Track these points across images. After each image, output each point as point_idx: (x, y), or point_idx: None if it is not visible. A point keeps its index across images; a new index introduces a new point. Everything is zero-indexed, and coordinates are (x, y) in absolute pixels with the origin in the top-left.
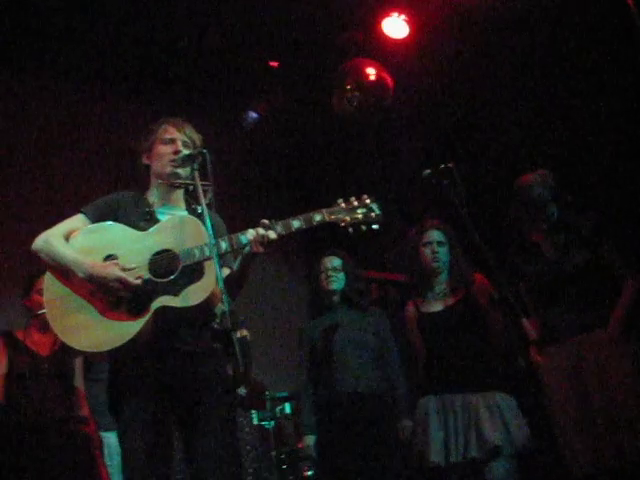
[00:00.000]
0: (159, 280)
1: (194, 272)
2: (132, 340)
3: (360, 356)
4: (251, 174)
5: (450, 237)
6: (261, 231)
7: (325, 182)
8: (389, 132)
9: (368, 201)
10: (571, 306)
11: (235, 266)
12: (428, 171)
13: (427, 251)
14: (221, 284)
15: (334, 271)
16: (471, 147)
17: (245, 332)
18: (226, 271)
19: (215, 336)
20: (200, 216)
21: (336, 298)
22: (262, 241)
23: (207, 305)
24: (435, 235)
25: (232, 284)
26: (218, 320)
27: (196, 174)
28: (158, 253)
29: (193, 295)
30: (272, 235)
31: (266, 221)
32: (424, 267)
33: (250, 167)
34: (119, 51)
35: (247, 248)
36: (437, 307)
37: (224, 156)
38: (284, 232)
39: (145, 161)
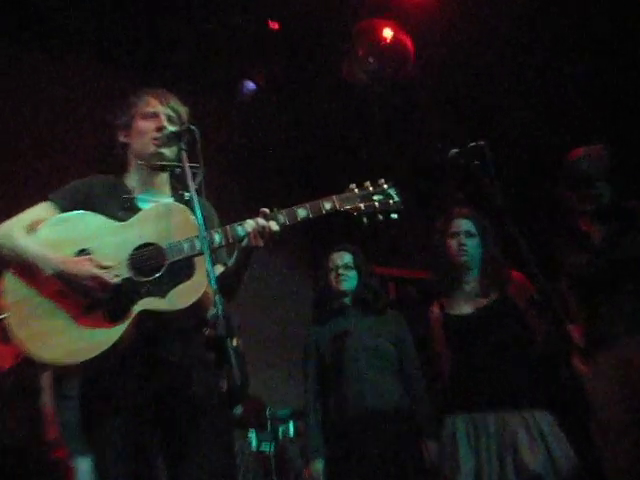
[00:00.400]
0: (141, 279)
1: (182, 270)
2: (110, 350)
3: (376, 367)
4: (248, 155)
5: (481, 227)
6: (261, 221)
7: (335, 164)
8: (408, 106)
9: (385, 186)
10: (622, 305)
11: (230, 263)
12: (455, 150)
13: (454, 243)
14: (214, 284)
15: (345, 269)
16: (503, 127)
17: (238, 341)
18: (220, 269)
19: (207, 344)
20: (188, 203)
21: (347, 300)
22: (262, 233)
23: (198, 308)
24: (463, 224)
25: (227, 284)
26: (210, 326)
27: (183, 154)
28: (140, 247)
29: (181, 297)
30: (274, 226)
31: (267, 210)
32: (451, 262)
33: (247, 146)
34: (101, 17)
35: (245, 242)
36: (467, 309)
37: (216, 133)
38: (288, 222)
39: (123, 139)
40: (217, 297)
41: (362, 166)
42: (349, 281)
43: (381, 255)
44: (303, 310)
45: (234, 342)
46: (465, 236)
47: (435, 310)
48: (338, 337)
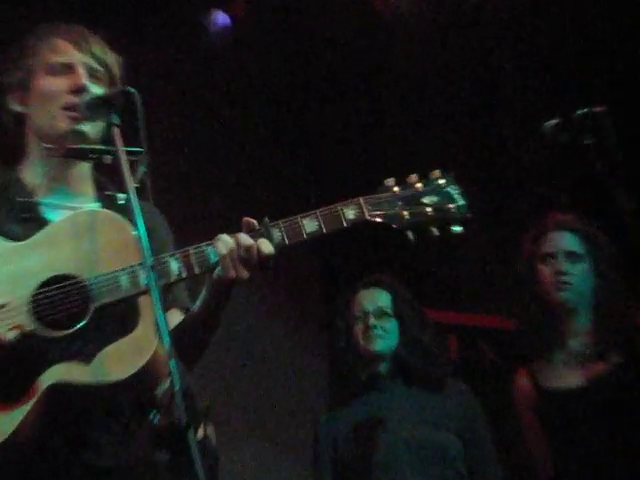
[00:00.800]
0: (52, 334)
1: (118, 319)
2: (6, 445)
3: (429, 473)
4: (223, 131)
5: (593, 245)
6: (244, 239)
7: (360, 145)
8: (469, 56)
9: (442, 181)
10: None
11: (195, 307)
12: (554, 121)
13: (548, 270)
14: (167, 342)
15: (379, 317)
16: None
17: (210, 430)
18: (178, 316)
19: (157, 439)
20: (124, 211)
21: (382, 368)
22: (246, 258)
23: (142, 382)
24: (563, 241)
25: (189, 341)
26: (162, 409)
27: (116, 133)
28: (48, 283)
29: (116, 363)
30: (265, 247)
31: (253, 221)
32: (544, 301)
33: (221, 116)
34: None
35: (218, 271)
36: (573, 380)
37: (171, 97)
38: (287, 241)
39: (16, 108)
40: (172, 363)
41: (404, 148)
42: (386, 337)
43: (437, 294)
44: (312, 382)
45: (200, 433)
46: (566, 259)
47: (523, 381)
48: (365, 427)
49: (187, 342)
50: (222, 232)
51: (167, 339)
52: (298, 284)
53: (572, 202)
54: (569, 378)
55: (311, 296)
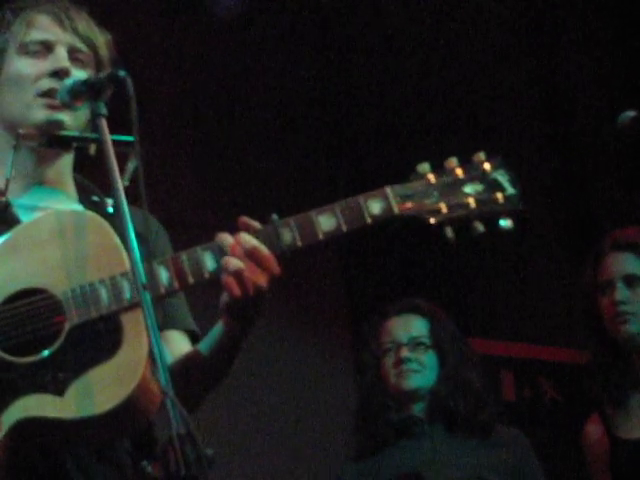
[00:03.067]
0: (18, 360)
1: (97, 340)
2: None
3: None
4: (228, 122)
5: None
6: (248, 240)
7: (391, 126)
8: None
9: (488, 166)
10: None
11: (205, 348)
12: (631, 114)
13: (606, 301)
14: (163, 373)
15: (413, 348)
16: None
17: None
18: (177, 341)
19: None
20: (111, 217)
21: (418, 409)
22: (249, 268)
23: (128, 419)
24: (621, 263)
25: (192, 371)
26: (157, 457)
27: (102, 123)
28: (15, 297)
29: (95, 394)
30: (263, 251)
31: (253, 222)
32: (609, 338)
33: (226, 106)
34: None
35: (224, 297)
36: None
37: (169, 82)
38: (299, 243)
39: None
40: (169, 401)
41: (442, 126)
42: (421, 373)
43: (487, 319)
44: (336, 418)
45: None
46: (625, 285)
47: (595, 429)
48: None
49: (190, 374)
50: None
51: (163, 370)
52: (320, 308)
53: None
54: None
55: (335, 322)
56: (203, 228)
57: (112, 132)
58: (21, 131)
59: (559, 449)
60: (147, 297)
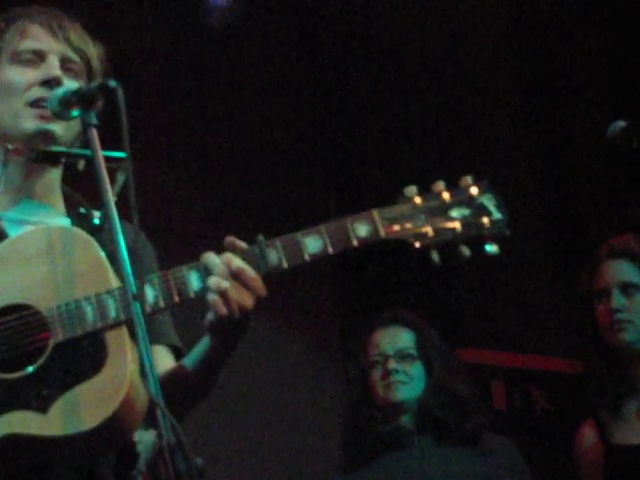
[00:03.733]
0: (3, 376)
1: (82, 358)
2: None
3: None
4: (218, 125)
5: None
6: (234, 261)
7: (381, 147)
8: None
9: (475, 190)
10: None
11: (190, 362)
12: (621, 124)
13: (602, 309)
14: (154, 387)
15: (400, 360)
16: None
17: None
18: (163, 356)
19: None
20: (98, 230)
21: (406, 420)
22: (234, 288)
23: (113, 435)
24: (616, 270)
25: (176, 386)
26: (145, 468)
27: (93, 135)
28: (2, 313)
29: (78, 411)
30: (249, 272)
31: (239, 242)
32: (606, 346)
33: (219, 117)
34: None
35: (209, 315)
36: None
37: (161, 92)
38: (285, 264)
39: None
40: (159, 411)
41: (433, 149)
42: (409, 384)
43: (477, 329)
44: (326, 430)
45: None
46: (621, 293)
47: (588, 435)
48: None
49: (176, 396)
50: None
51: (153, 384)
52: (309, 316)
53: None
54: None
55: (324, 331)
56: (195, 238)
57: (104, 143)
58: (10, 146)
59: (550, 458)
60: (137, 308)
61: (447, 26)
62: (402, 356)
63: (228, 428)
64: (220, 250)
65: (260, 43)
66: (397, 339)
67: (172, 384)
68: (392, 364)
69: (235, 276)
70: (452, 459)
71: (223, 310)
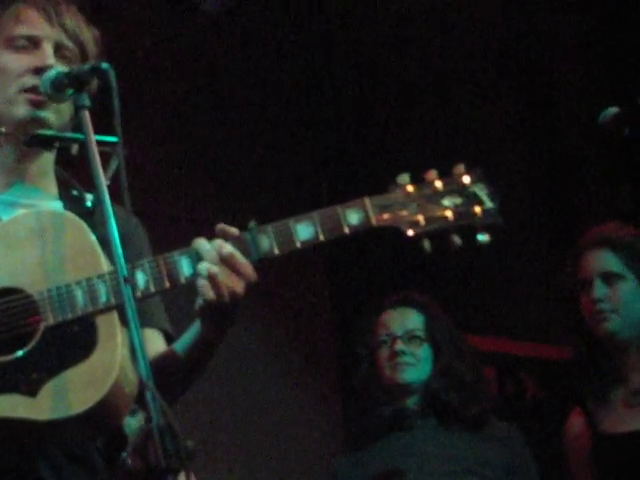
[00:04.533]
0: None
1: (72, 342)
2: None
3: None
4: (212, 111)
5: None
6: (225, 247)
7: (376, 133)
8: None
9: (467, 179)
10: None
11: (180, 347)
12: (613, 110)
13: (585, 299)
14: (144, 368)
15: (408, 341)
16: None
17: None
18: (154, 339)
19: None
20: (89, 213)
21: (411, 402)
22: (224, 274)
23: (100, 417)
24: (598, 260)
25: (167, 370)
26: (135, 449)
27: (85, 118)
28: None
29: (67, 396)
30: (239, 258)
31: (231, 229)
32: (591, 335)
33: (213, 102)
34: None
35: (200, 300)
36: (636, 423)
37: (155, 77)
38: (277, 250)
39: None
40: (149, 393)
41: (437, 138)
42: (416, 366)
43: (469, 315)
44: (322, 418)
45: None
46: (602, 282)
47: (576, 424)
48: (390, 476)
49: (167, 380)
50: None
51: (143, 365)
52: (304, 308)
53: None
54: (632, 420)
55: (320, 324)
56: (187, 222)
57: (96, 126)
58: (3, 129)
59: (541, 445)
60: (128, 290)
61: (437, 14)
62: (410, 337)
63: (225, 418)
64: (211, 235)
65: (253, 29)
66: (406, 320)
67: (162, 367)
68: (400, 345)
69: (225, 261)
70: (454, 443)
71: (212, 295)
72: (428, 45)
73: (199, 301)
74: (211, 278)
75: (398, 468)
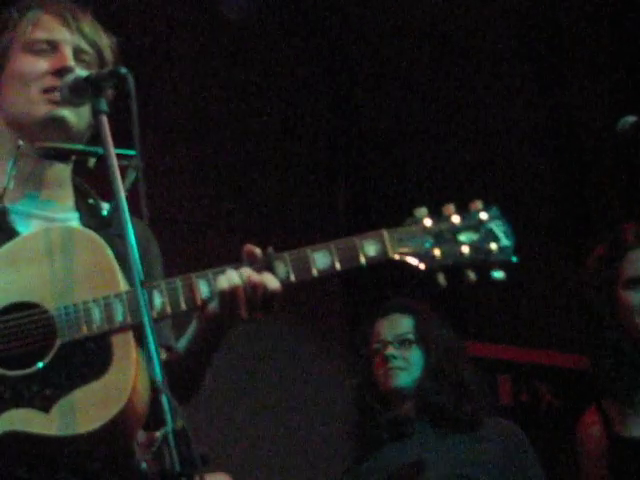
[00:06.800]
0: (6, 373)
1: (85, 360)
2: None
3: None
4: (231, 119)
5: None
6: (251, 274)
7: (397, 163)
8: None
9: (484, 215)
10: None
11: (181, 346)
12: (631, 119)
13: (632, 297)
14: (159, 368)
15: (399, 346)
16: None
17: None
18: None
19: None
20: (106, 222)
21: (407, 407)
22: (251, 296)
23: (113, 435)
24: None
25: (175, 383)
26: (151, 453)
27: (103, 122)
28: (7, 310)
29: (81, 413)
30: (271, 284)
31: (257, 250)
32: (628, 334)
33: (231, 111)
34: None
35: (212, 307)
36: None
37: (174, 83)
38: (293, 278)
39: None
40: (164, 397)
41: (442, 141)
42: (407, 370)
43: (484, 323)
44: (335, 426)
45: None
46: None
47: (592, 426)
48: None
49: (172, 380)
50: (227, 242)
51: (158, 371)
52: (317, 307)
53: None
54: None
55: (333, 323)
56: (198, 227)
57: (115, 141)
58: (21, 142)
59: (556, 453)
60: (144, 294)
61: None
62: (400, 341)
63: (235, 419)
64: (218, 237)
65: (271, 35)
66: (396, 325)
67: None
68: (390, 350)
69: (251, 289)
70: (450, 447)
71: (238, 312)
72: (443, 40)
73: (215, 310)
74: (234, 301)
75: (400, 475)
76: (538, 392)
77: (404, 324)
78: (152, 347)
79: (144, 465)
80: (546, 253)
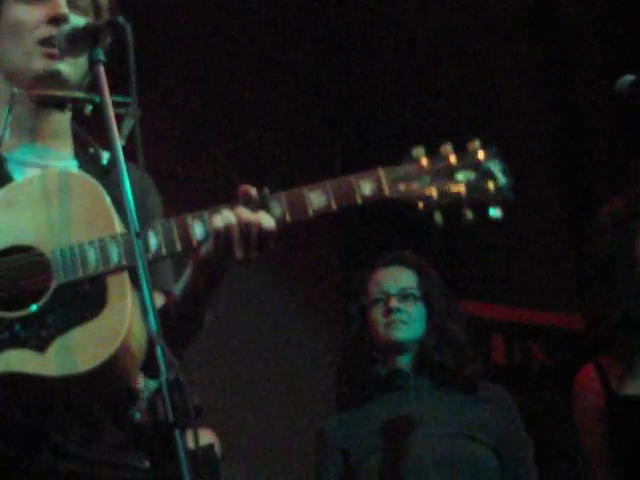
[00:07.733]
0: (4, 315)
1: (81, 301)
2: None
3: None
4: (233, 81)
5: None
6: (245, 213)
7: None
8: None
9: (482, 154)
10: None
11: (178, 291)
12: (630, 77)
13: None
14: (153, 324)
15: (403, 299)
16: None
17: (209, 436)
18: (157, 300)
19: (138, 440)
20: (105, 171)
21: (404, 361)
22: (245, 235)
23: (109, 375)
24: None
25: (171, 332)
26: (143, 403)
27: (100, 73)
28: (5, 253)
29: (76, 353)
30: (266, 222)
31: (252, 189)
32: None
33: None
34: None
35: (206, 248)
36: None
37: (172, 32)
38: (289, 218)
39: None
40: (159, 348)
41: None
42: (410, 324)
43: (478, 282)
44: (320, 379)
45: (198, 437)
46: None
47: (589, 383)
48: (384, 436)
49: (171, 329)
50: (222, 195)
51: (153, 321)
52: (311, 263)
53: None
54: None
55: (327, 276)
56: (202, 183)
57: (110, 84)
58: (16, 90)
59: (547, 412)
60: (139, 244)
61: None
62: (404, 295)
63: (225, 371)
64: (224, 196)
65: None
66: (400, 278)
67: (165, 315)
68: (394, 303)
69: (245, 227)
70: (448, 404)
71: (233, 251)
72: (447, 13)
73: (209, 251)
74: (229, 241)
75: (400, 424)
76: (531, 351)
77: (408, 278)
78: (147, 299)
79: (138, 415)
80: (540, 214)
